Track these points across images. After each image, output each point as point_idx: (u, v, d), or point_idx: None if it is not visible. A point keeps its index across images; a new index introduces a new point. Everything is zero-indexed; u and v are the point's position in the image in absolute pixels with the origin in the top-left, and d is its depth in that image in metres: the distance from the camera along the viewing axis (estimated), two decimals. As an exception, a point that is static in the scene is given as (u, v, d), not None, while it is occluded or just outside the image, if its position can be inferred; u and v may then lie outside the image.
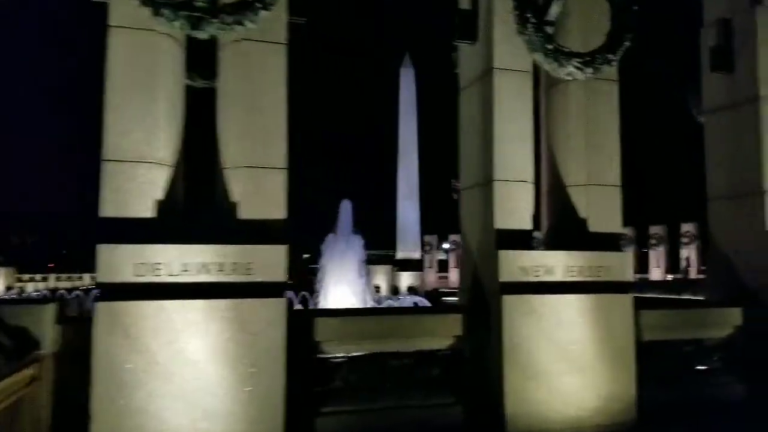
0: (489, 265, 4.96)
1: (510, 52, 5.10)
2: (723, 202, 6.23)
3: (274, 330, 4.13)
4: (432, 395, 4.78)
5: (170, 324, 3.94)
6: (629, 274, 5.15)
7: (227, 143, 4.47)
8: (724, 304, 5.88)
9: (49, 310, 4.15)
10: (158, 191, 4.25)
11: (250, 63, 4.43)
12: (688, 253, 27.64)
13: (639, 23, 5.08)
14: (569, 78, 5.04)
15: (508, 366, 4.68)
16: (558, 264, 4.95)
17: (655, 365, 5.50)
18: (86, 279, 26.92)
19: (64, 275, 28.34)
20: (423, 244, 27.05)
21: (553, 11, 5.05)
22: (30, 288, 25.44)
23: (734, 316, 5.72)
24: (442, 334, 4.82)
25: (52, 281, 27.11)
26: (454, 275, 27.30)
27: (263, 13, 4.19)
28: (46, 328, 4.09)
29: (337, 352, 4.57)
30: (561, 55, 4.89)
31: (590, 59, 4.94)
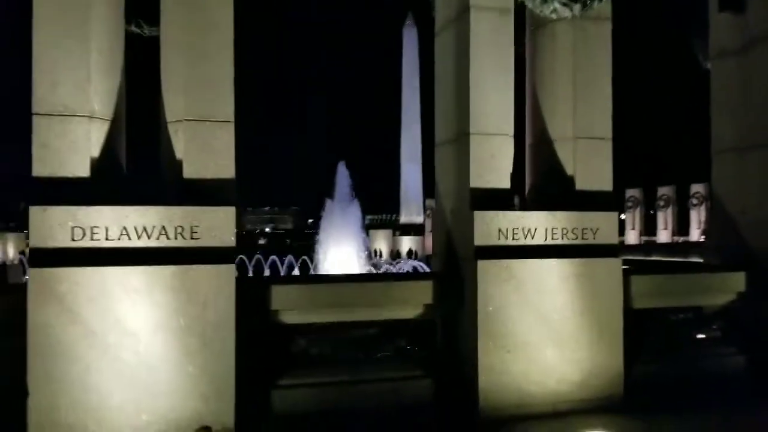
0: (463, 227, 4.56)
1: (489, -13, 4.57)
2: (729, 155, 5.70)
3: (224, 299, 3.81)
4: (399, 368, 4.46)
5: (108, 293, 3.62)
6: (616, 236, 4.71)
7: (170, 95, 4.06)
8: (725, 268, 5.44)
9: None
10: (94, 148, 3.88)
11: (192, 3, 3.98)
12: (698, 214, 27.01)
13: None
14: (555, 17, 4.52)
15: (482, 337, 4.33)
16: (539, 225, 4.53)
17: (647, 335, 5.14)
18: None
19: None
20: (425, 209, 26.70)
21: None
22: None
23: (737, 281, 5.29)
24: (411, 303, 4.47)
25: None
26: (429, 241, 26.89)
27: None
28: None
29: (296, 321, 4.24)
30: (545, -12, 4.37)
31: (579, -6, 4.41)
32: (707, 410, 4.57)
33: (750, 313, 5.32)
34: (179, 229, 3.79)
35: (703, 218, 26.01)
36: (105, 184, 3.86)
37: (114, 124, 4.01)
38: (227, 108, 4.03)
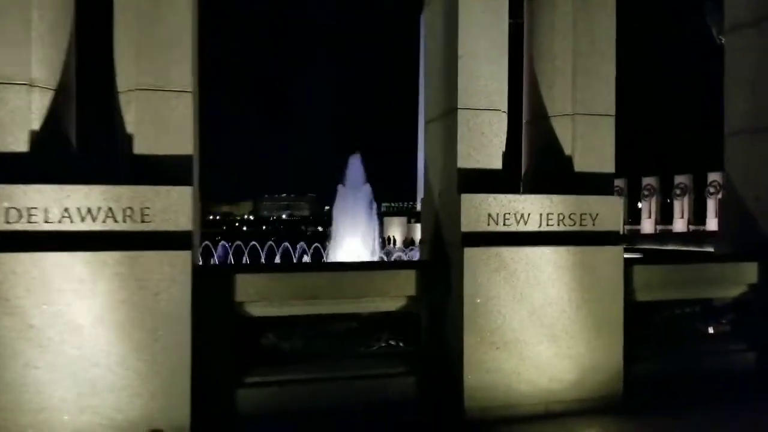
0: (450, 212, 4.15)
1: (482, -50, 4.12)
2: (743, 137, 5.24)
3: (178, 289, 3.43)
4: (381, 364, 4.09)
5: (48, 282, 3.26)
6: (619, 223, 4.29)
7: (122, 62, 3.67)
8: (736, 258, 5.01)
9: None
10: (35, 120, 3.49)
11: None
12: (715, 203, 26.49)
13: None
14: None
15: (468, 331, 3.94)
16: (533, 210, 4.12)
17: (650, 330, 4.74)
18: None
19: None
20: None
21: None
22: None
23: (748, 271, 4.86)
24: (392, 294, 4.07)
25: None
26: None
27: None
28: None
29: (264, 314, 3.87)
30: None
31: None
32: (713, 410, 4.19)
33: (762, 306, 4.90)
34: (128, 211, 3.40)
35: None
36: (47, 160, 3.49)
37: (60, 94, 3.62)
38: (184, 76, 3.64)
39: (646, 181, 29.38)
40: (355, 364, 4.04)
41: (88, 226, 3.36)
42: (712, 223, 24.50)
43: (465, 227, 4.00)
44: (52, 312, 3.26)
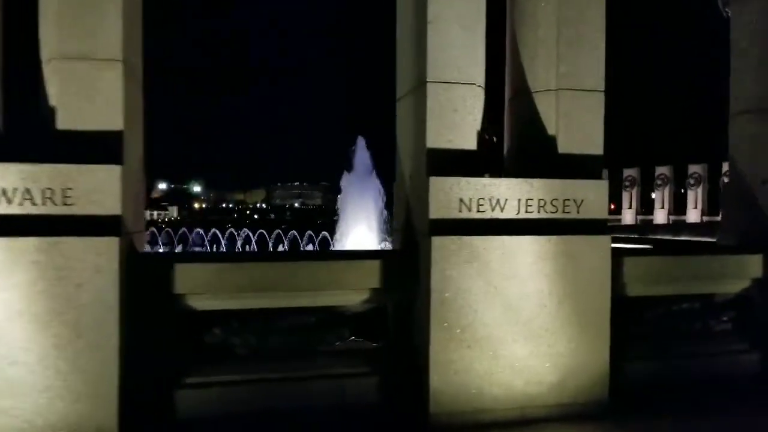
0: (420, 197, 3.76)
1: None
2: (748, 117, 4.77)
3: (104, 279, 3.08)
4: (339, 363, 3.73)
5: (-41, 270, 2.93)
6: (605, 209, 3.87)
7: (46, 27, 3.30)
8: (740, 250, 4.57)
9: None
10: (-52, 92, 3.15)
11: None
12: (730, 193, 25.79)
13: None
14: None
15: (435, 328, 3.56)
16: (511, 196, 3.71)
17: (643, 328, 4.33)
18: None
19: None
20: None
21: None
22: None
23: (753, 265, 4.42)
24: (353, 286, 3.70)
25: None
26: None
27: None
28: None
29: (208, 308, 3.51)
30: None
31: None
32: (710, 416, 3.79)
33: (766, 303, 4.48)
34: (48, 193, 3.06)
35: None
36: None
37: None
38: (113, 43, 3.26)
39: (660, 170, 28.80)
40: (311, 363, 3.68)
41: (2, 209, 3.02)
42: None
43: (434, 214, 3.61)
44: (-38, 304, 2.93)
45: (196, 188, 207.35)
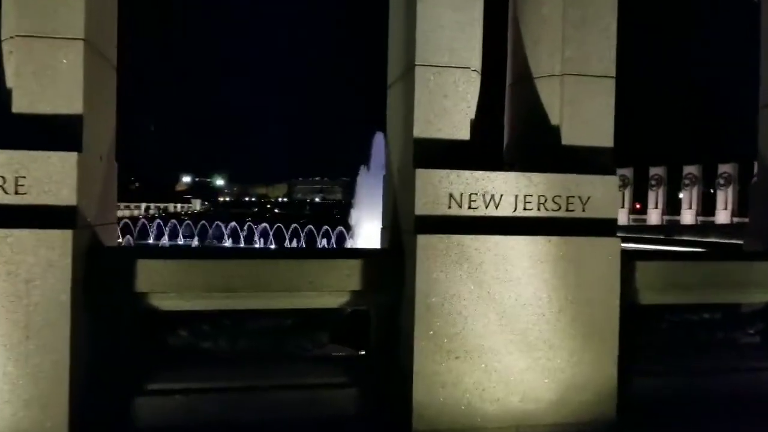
0: (407, 191, 3.44)
1: None
2: (780, 108, 4.34)
3: (56, 275, 2.84)
4: (315, 372, 3.44)
5: None
6: (615, 208, 3.50)
7: (7, 1, 3.06)
8: (765, 256, 4.14)
9: None
10: None
11: None
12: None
13: None
14: None
15: (420, 336, 3.23)
16: (507, 191, 3.37)
17: (657, 340, 3.94)
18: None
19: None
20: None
21: None
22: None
23: (782, 272, 3.99)
24: (331, 288, 3.39)
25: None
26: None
27: None
28: None
29: (173, 308, 3.25)
30: None
31: None
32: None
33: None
34: (0, 181, 2.82)
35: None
36: None
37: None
38: (75, 22, 3.00)
39: (688, 169, 27.99)
40: (285, 370, 3.40)
41: (-54, 198, 2.80)
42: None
43: (420, 209, 3.28)
44: None
45: (220, 182, 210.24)
